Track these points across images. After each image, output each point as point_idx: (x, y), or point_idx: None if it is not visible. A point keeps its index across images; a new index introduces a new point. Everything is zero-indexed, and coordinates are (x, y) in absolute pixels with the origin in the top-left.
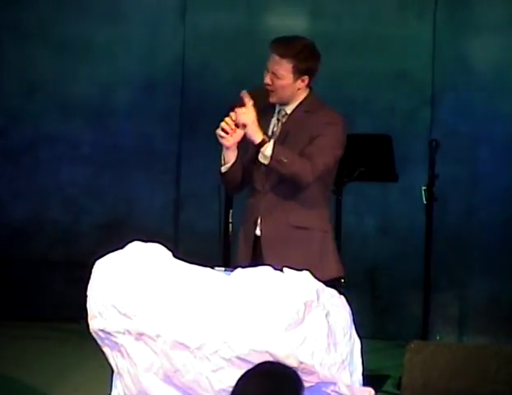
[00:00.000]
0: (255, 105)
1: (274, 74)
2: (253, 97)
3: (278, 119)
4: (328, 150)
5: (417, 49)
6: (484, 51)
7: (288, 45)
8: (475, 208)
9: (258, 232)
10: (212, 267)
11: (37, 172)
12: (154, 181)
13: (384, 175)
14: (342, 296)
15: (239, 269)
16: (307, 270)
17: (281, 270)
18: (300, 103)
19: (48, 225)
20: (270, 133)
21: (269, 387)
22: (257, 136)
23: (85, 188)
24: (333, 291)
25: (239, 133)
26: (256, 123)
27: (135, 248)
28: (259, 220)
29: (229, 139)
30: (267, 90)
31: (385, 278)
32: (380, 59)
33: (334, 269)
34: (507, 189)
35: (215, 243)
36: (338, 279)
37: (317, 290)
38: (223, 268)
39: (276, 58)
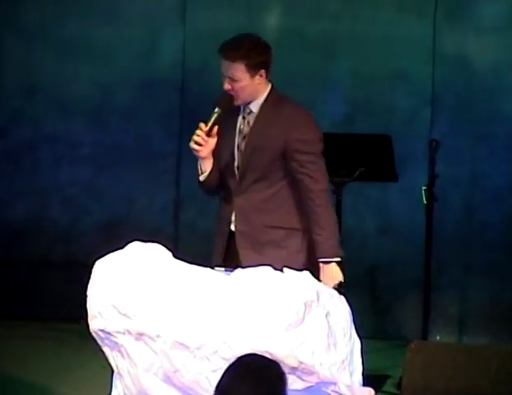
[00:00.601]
0: (225, 111)
1: (231, 78)
2: (221, 105)
3: (244, 117)
4: (319, 169)
5: (417, 49)
6: (484, 51)
7: (235, 47)
8: (475, 208)
9: (232, 228)
10: (212, 267)
11: (37, 172)
12: (154, 181)
13: (384, 175)
14: (342, 296)
15: (239, 269)
16: (283, 268)
17: (281, 270)
18: (265, 100)
19: (48, 225)
20: (237, 131)
21: (258, 384)
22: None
23: (85, 188)
24: (333, 291)
25: (212, 142)
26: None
27: (135, 248)
28: (234, 219)
29: (203, 150)
30: (231, 95)
31: (385, 278)
32: (380, 59)
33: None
34: (507, 189)
35: (213, 243)
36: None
37: (317, 290)
38: (223, 268)
39: (228, 62)
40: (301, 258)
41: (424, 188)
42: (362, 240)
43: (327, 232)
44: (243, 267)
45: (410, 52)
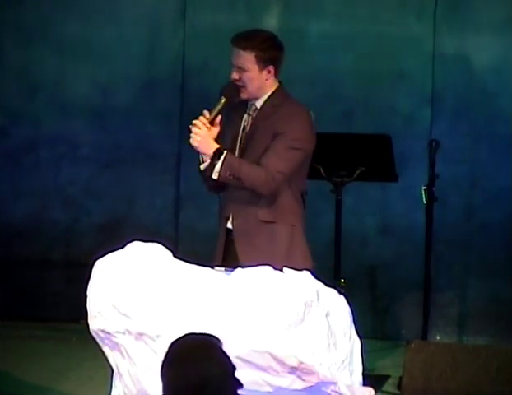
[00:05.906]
0: (229, 102)
1: (240, 68)
2: (226, 94)
3: (249, 114)
4: (285, 155)
5: (417, 49)
6: (484, 51)
7: (248, 38)
8: (475, 208)
9: (229, 226)
10: (212, 267)
11: (37, 172)
12: (154, 181)
13: (384, 175)
14: (342, 296)
15: (239, 269)
16: (273, 263)
17: (264, 265)
18: (269, 97)
19: (48, 225)
20: (241, 128)
21: (185, 367)
22: (208, 151)
23: (85, 188)
24: (333, 291)
25: (215, 131)
26: (207, 138)
27: (135, 248)
28: (231, 216)
29: (202, 136)
30: (238, 86)
31: (385, 278)
32: (380, 59)
33: (301, 263)
34: (507, 189)
35: (215, 244)
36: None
37: (317, 290)
38: (223, 268)
39: (239, 51)
40: (291, 253)
41: (424, 188)
42: (362, 240)
43: (242, 173)
44: (241, 265)
45: (410, 52)
